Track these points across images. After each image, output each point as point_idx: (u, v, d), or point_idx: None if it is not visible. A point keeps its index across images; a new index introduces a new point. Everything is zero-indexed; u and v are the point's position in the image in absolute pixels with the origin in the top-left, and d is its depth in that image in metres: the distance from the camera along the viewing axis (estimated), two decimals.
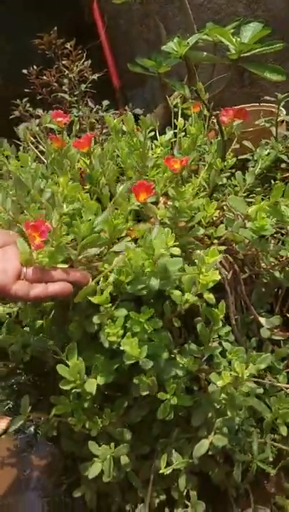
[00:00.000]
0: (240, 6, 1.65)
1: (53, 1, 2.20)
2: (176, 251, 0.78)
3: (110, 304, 0.76)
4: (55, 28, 1.74)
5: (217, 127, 0.96)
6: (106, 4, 2.18)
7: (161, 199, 0.91)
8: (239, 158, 1.21)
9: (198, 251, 0.75)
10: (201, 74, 1.51)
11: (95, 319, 0.76)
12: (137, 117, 1.94)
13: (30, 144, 1.14)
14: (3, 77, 2.23)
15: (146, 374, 0.78)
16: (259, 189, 1.17)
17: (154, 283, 0.72)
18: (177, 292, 0.79)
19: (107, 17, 2.23)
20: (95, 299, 0.75)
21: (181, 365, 0.80)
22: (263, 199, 0.96)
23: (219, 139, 0.92)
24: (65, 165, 1.00)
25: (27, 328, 0.87)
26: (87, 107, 1.70)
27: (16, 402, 1.26)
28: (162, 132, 1.22)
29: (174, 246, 0.82)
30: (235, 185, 1.07)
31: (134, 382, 0.78)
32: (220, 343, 0.89)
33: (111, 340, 0.75)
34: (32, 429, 1.20)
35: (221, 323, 0.80)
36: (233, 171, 1.03)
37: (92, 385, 0.78)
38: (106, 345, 0.75)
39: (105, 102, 1.81)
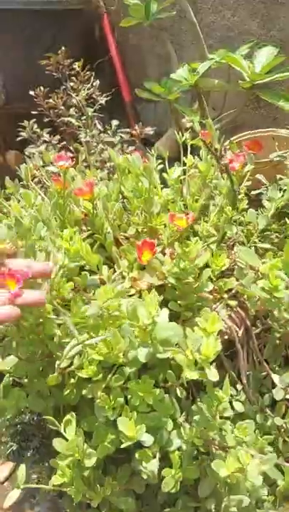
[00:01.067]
0: (253, 25, 1.58)
1: (63, 17, 2.15)
2: (165, 314, 0.71)
3: (101, 376, 0.71)
4: (63, 47, 1.69)
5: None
6: (116, 20, 2.12)
7: (168, 251, 0.86)
8: (252, 193, 1.15)
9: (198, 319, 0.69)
10: (214, 93, 1.45)
11: (86, 391, 0.71)
12: (147, 141, 1.90)
13: (32, 183, 1.08)
14: (11, 94, 2.19)
15: (149, 447, 0.73)
16: (274, 226, 1.10)
17: (142, 355, 0.68)
18: (180, 357, 0.73)
19: (118, 32, 2.17)
20: (83, 373, 0.70)
21: (186, 438, 0.75)
22: (275, 252, 0.90)
23: (229, 185, 0.86)
24: (67, 209, 0.95)
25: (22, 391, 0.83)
26: (95, 129, 1.65)
27: (20, 444, 1.22)
28: (174, 160, 1.17)
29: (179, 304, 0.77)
30: (249, 222, 1.01)
31: (135, 456, 0.73)
32: (230, 402, 0.84)
33: (105, 415, 0.70)
34: (35, 476, 1.15)
35: (227, 404, 0.74)
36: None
37: (91, 459, 0.73)
38: (100, 419, 0.71)
39: (114, 122, 1.76)
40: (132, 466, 0.80)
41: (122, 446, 0.65)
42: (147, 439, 0.69)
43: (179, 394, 0.74)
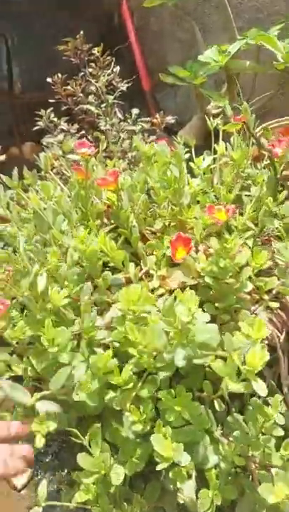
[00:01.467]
0: (283, 5, 1.48)
1: (80, 3, 2.07)
2: (205, 317, 0.64)
3: (132, 384, 0.64)
4: (81, 32, 1.60)
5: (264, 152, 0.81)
6: (136, 3, 2.03)
7: (201, 247, 0.78)
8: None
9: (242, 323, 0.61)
10: (241, 76, 1.36)
11: (114, 404, 0.64)
12: (168, 129, 1.81)
13: (51, 173, 1.01)
14: (28, 83, 2.12)
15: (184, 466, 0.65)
16: None
17: (179, 358, 0.60)
18: (218, 364, 0.65)
19: (137, 17, 2.08)
20: (113, 379, 0.63)
21: (224, 454, 0.67)
22: None
23: (270, 174, 0.77)
24: (90, 201, 0.88)
25: None
26: (115, 118, 1.57)
27: (38, 449, 1.16)
28: (199, 149, 1.08)
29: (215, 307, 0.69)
30: (284, 216, 0.92)
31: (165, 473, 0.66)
32: None
33: (136, 430, 0.63)
34: (55, 486, 1.09)
35: (273, 420, 0.66)
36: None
37: (118, 476, 0.66)
38: (131, 436, 0.63)
39: (135, 111, 1.68)
40: (162, 482, 0.73)
41: (158, 468, 0.58)
42: (184, 459, 0.61)
43: (217, 407, 0.66)
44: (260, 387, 0.57)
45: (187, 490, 0.61)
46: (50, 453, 1.17)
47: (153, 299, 0.68)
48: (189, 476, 0.64)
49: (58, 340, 0.65)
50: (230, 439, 0.68)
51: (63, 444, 1.17)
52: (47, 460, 1.16)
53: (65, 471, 1.11)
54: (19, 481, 1.12)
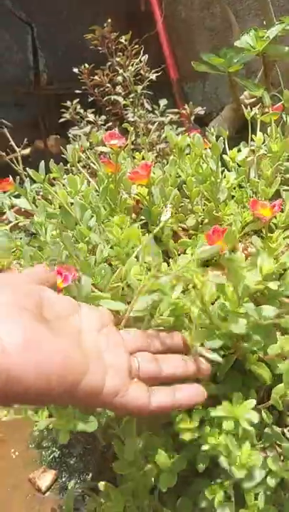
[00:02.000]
0: None
1: None
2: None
3: None
4: (109, 20, 1.55)
5: None
6: None
7: (240, 245, 0.72)
8: None
9: None
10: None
11: None
12: (197, 121, 1.75)
13: (79, 166, 0.97)
14: (54, 74, 2.08)
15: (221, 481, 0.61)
16: None
17: (241, 325, 0.53)
18: (261, 368, 0.60)
19: (165, 3, 2.01)
20: None
21: (273, 470, 0.61)
22: None
23: None
24: (120, 196, 0.83)
25: None
26: (143, 109, 1.52)
27: (62, 450, 1.13)
28: (232, 142, 1.02)
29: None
30: None
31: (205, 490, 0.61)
32: None
33: (186, 439, 0.57)
34: (79, 491, 1.06)
35: None
36: None
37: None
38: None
39: (163, 102, 1.62)
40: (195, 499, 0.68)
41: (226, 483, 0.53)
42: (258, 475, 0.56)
43: (265, 418, 0.61)
44: None
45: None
46: (75, 454, 1.14)
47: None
48: (227, 496, 0.60)
49: None
50: (273, 452, 0.63)
51: (87, 445, 1.14)
52: (71, 462, 1.13)
53: (90, 475, 1.08)
54: (43, 482, 1.10)
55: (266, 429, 0.68)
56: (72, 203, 0.86)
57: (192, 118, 1.63)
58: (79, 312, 0.49)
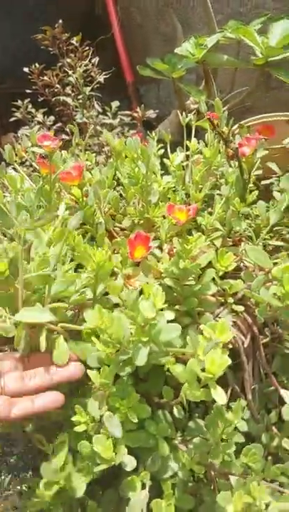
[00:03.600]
0: None
1: None
2: (170, 315, 0.62)
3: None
4: (60, 20, 1.56)
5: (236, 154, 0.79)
6: None
7: (166, 247, 0.75)
8: (262, 183, 1.04)
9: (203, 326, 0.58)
10: (221, 72, 1.33)
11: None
12: (149, 124, 1.78)
13: (16, 166, 0.97)
14: (7, 73, 2.06)
15: (139, 473, 0.63)
16: (286, 220, 0.99)
17: (142, 356, 0.56)
18: (178, 368, 0.63)
19: (121, 8, 2.03)
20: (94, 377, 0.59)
21: (184, 462, 0.65)
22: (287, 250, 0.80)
23: (238, 174, 0.75)
24: (53, 196, 0.85)
25: None
26: (93, 110, 1.53)
27: (3, 449, 1.13)
28: (178, 145, 1.05)
29: (176, 309, 0.67)
30: (258, 216, 0.90)
31: (123, 482, 0.63)
32: None
33: (80, 431, 0.60)
34: (17, 488, 1.06)
35: (233, 426, 0.63)
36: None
37: (80, 487, 0.63)
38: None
39: (115, 104, 1.64)
40: (119, 491, 0.71)
41: (96, 469, 0.56)
42: (129, 463, 0.59)
43: (176, 414, 0.64)
44: (219, 394, 0.55)
45: (137, 501, 0.58)
46: (16, 453, 1.14)
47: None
48: (143, 486, 0.62)
49: None
50: (190, 446, 0.66)
51: (28, 444, 1.15)
52: (11, 461, 1.13)
53: (29, 473, 1.09)
54: None
55: (190, 423, 0.72)
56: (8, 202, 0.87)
57: (143, 120, 1.65)
58: None
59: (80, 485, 0.62)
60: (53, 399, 0.57)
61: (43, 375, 0.58)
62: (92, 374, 0.59)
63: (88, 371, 0.60)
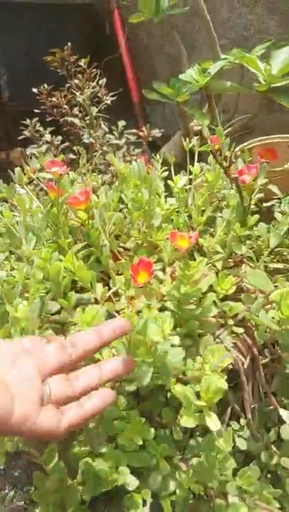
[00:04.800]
0: (271, 24, 1.49)
1: (73, 13, 2.08)
2: (176, 340, 0.65)
3: None
4: (69, 43, 1.61)
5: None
6: (127, 15, 2.05)
7: (168, 269, 0.78)
8: (263, 205, 1.06)
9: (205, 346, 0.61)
10: (225, 94, 1.37)
11: None
12: (154, 144, 1.82)
13: (27, 188, 1.01)
14: (15, 91, 2.12)
15: (140, 491, 0.65)
16: (287, 241, 1.02)
17: (146, 376, 0.59)
18: (179, 388, 0.65)
19: (128, 29, 2.09)
20: None
21: (182, 481, 0.67)
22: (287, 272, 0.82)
23: (238, 201, 0.78)
24: (61, 218, 0.88)
25: None
26: (100, 130, 1.57)
27: (7, 462, 1.15)
28: (182, 167, 1.09)
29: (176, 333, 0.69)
30: (259, 237, 0.93)
31: (124, 498, 0.65)
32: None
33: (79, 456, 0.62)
34: (21, 503, 1.08)
35: (228, 455, 0.65)
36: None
37: (74, 498, 0.66)
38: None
39: (121, 123, 1.68)
40: (121, 508, 0.73)
41: (100, 491, 0.58)
42: (132, 483, 0.61)
43: (175, 436, 0.66)
44: (213, 422, 0.57)
45: None
46: (20, 466, 1.16)
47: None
48: (144, 503, 0.64)
49: None
50: (189, 465, 0.68)
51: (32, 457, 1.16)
52: (16, 474, 1.15)
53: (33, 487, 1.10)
54: None
55: (191, 441, 0.74)
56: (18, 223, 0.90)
57: (149, 139, 1.69)
58: None
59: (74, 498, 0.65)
60: (105, 396, 0.51)
61: (92, 372, 0.51)
62: None
63: None
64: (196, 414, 0.58)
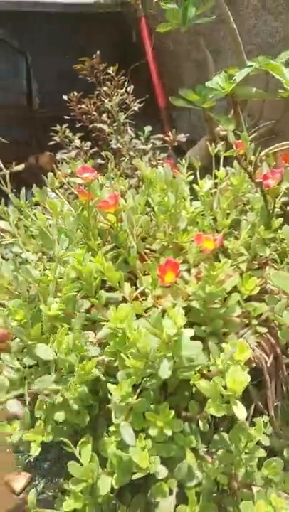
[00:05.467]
0: None
1: (99, 20, 2.13)
2: (190, 332, 0.67)
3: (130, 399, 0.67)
4: (98, 52, 1.66)
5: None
6: (153, 23, 2.09)
7: (193, 270, 0.81)
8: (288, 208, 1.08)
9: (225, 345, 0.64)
10: (251, 99, 1.39)
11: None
12: (179, 149, 1.85)
13: (58, 192, 1.06)
14: (45, 99, 2.19)
15: (166, 481, 0.68)
16: None
17: (166, 369, 0.62)
18: (203, 383, 0.68)
19: (155, 36, 2.13)
20: (116, 393, 0.66)
21: (208, 472, 0.69)
22: None
23: (263, 204, 0.80)
24: (91, 221, 0.92)
25: None
26: (127, 135, 1.61)
27: (37, 455, 1.20)
28: (207, 171, 1.12)
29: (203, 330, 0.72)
30: (283, 239, 0.95)
31: (152, 487, 0.68)
32: None
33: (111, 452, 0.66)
34: (51, 493, 1.12)
35: (255, 441, 0.68)
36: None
37: (105, 486, 0.69)
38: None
39: (147, 128, 1.72)
40: (148, 496, 0.76)
41: (134, 477, 0.61)
42: (162, 472, 0.64)
43: (201, 427, 0.69)
44: (240, 410, 0.60)
45: (165, 505, 0.63)
46: (49, 459, 1.20)
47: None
48: (170, 492, 0.67)
49: None
50: (215, 457, 0.71)
51: (62, 450, 1.21)
52: (45, 466, 1.19)
53: (62, 478, 1.15)
54: (18, 484, 1.16)
55: (215, 436, 0.77)
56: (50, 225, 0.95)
57: (175, 144, 1.73)
58: None
59: (106, 484, 0.68)
60: None
61: None
62: (111, 387, 0.65)
63: (109, 385, 0.66)
64: (223, 405, 0.61)
